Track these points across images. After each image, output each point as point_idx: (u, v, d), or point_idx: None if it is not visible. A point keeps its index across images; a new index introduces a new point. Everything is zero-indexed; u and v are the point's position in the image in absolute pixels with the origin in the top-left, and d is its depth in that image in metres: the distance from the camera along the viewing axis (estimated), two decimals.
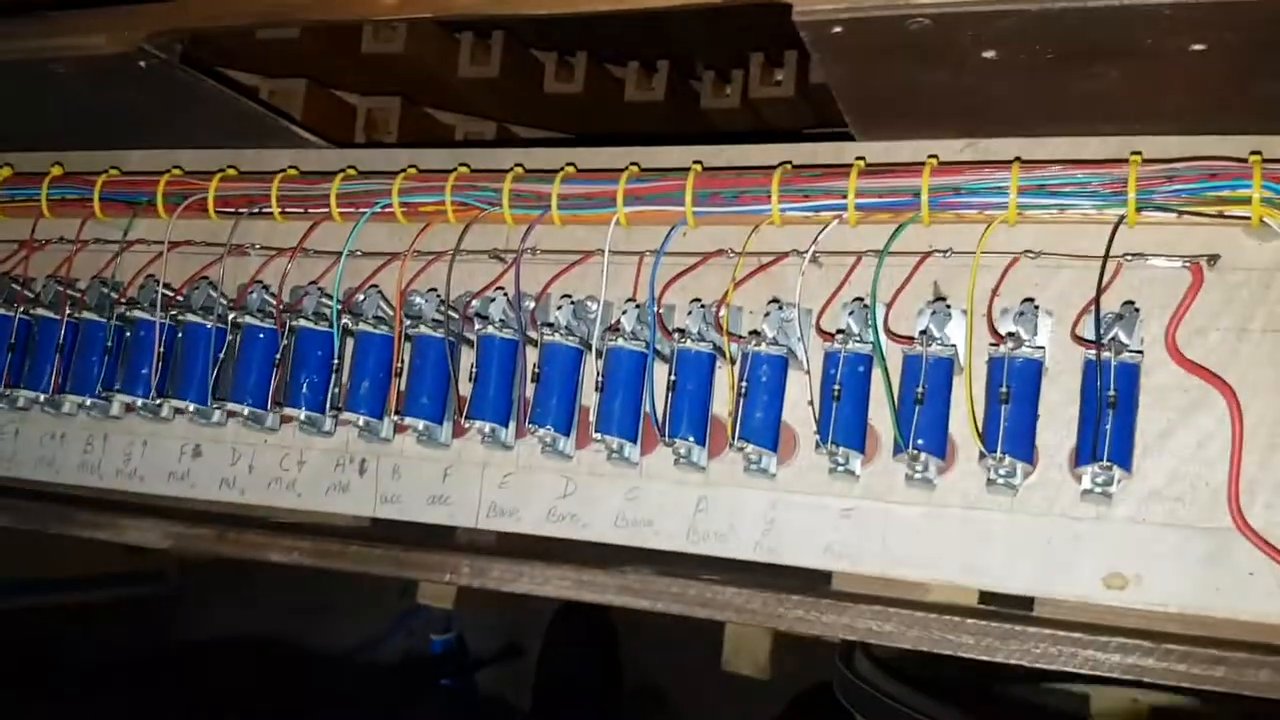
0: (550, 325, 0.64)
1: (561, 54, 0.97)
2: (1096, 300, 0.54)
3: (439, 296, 0.67)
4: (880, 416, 0.59)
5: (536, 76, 0.97)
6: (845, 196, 0.58)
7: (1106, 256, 0.54)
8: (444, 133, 1.01)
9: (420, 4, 0.56)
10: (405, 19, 0.57)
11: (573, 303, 0.65)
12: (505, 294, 0.66)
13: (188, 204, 0.71)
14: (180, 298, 0.72)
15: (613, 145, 0.68)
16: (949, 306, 0.59)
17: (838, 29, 0.50)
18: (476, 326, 0.64)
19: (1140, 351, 0.55)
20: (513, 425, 0.65)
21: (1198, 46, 0.48)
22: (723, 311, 0.60)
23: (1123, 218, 0.53)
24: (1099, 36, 0.49)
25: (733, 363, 0.59)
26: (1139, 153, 0.54)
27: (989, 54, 0.51)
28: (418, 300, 0.68)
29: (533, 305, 0.66)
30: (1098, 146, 0.58)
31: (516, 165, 0.66)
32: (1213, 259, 0.55)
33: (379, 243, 0.70)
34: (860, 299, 0.60)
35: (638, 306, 0.63)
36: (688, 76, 1.00)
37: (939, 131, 0.61)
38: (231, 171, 0.73)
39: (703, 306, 0.63)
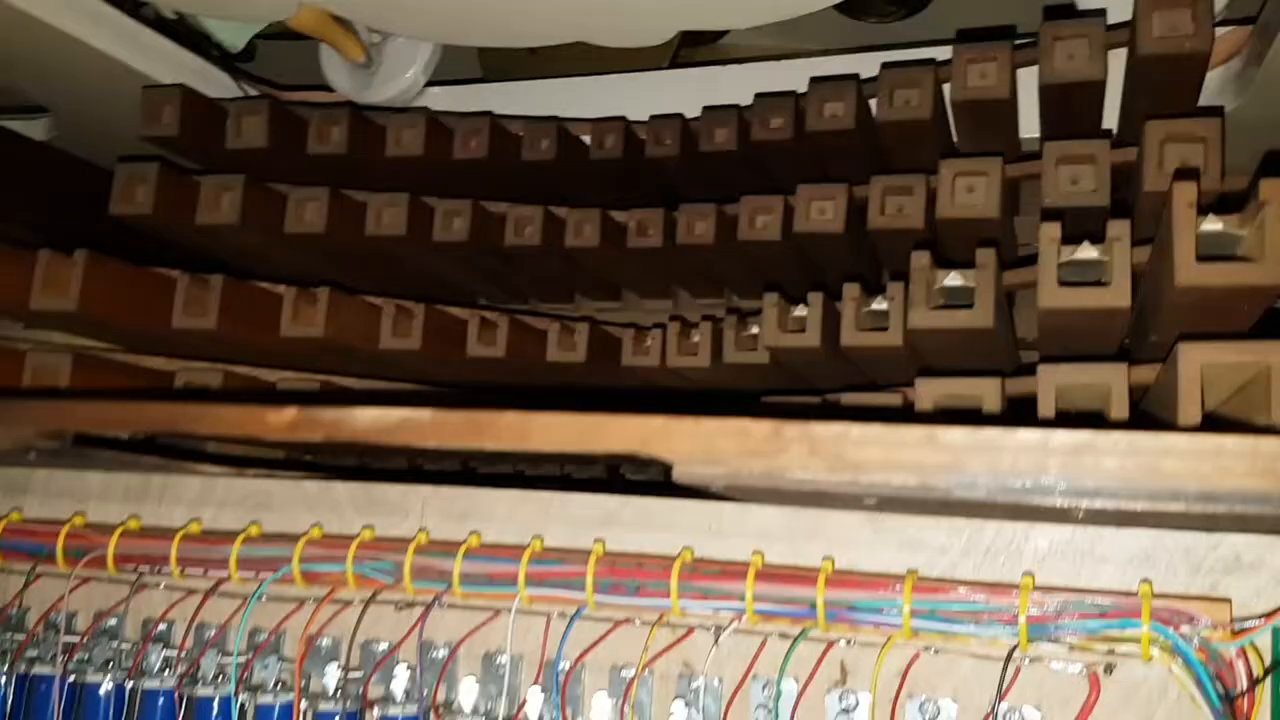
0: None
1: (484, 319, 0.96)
2: (994, 707, 0.54)
3: (340, 666, 0.66)
4: None
5: (459, 341, 0.97)
6: (744, 599, 0.57)
7: (1002, 682, 0.54)
8: (359, 400, 1.00)
9: (314, 427, 0.55)
10: (296, 440, 0.56)
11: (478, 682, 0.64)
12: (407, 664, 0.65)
13: (88, 560, 0.69)
14: (83, 646, 0.71)
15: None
16: (855, 696, 0.59)
17: (718, 486, 0.50)
18: (376, 713, 0.63)
19: None
20: None
21: None
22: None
23: (1015, 646, 0.54)
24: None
25: None
26: (1031, 575, 0.55)
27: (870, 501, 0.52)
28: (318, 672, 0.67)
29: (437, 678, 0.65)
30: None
31: (421, 531, 0.66)
32: (1109, 667, 0.56)
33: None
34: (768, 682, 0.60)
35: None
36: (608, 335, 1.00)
37: None
38: (134, 524, 0.72)
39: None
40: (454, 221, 1.02)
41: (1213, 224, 0.54)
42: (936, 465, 0.46)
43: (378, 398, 1.01)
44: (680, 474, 0.49)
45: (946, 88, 0.88)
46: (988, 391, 0.63)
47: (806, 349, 0.79)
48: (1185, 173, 0.66)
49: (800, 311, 0.82)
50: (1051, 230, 0.61)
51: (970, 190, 0.81)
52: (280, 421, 0.56)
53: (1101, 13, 0.84)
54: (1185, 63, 0.74)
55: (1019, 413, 0.66)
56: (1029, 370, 0.70)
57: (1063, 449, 0.44)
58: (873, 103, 0.93)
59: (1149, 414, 0.54)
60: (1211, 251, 0.54)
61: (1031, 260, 0.66)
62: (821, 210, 0.89)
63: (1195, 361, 0.48)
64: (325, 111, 1.05)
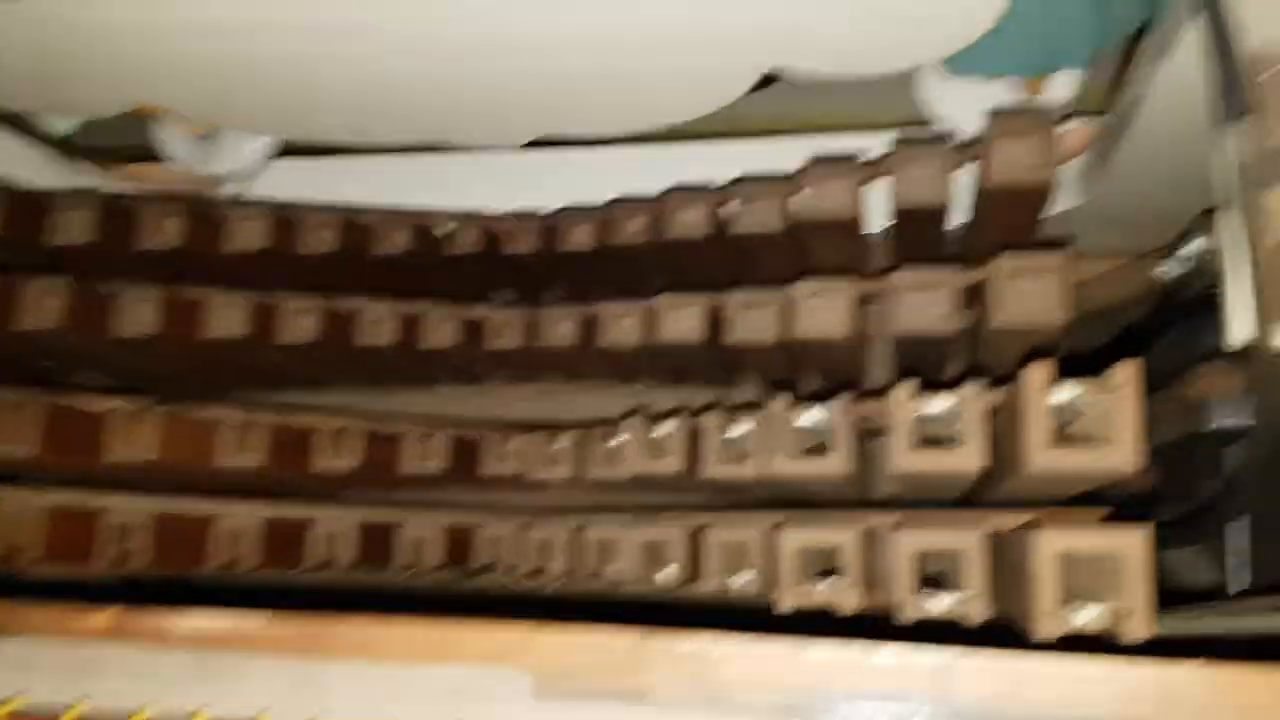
0: None
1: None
2: None
3: None
4: None
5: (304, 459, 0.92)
6: None
7: None
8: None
9: (134, 632, 0.51)
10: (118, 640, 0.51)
11: None
12: None
13: None
14: None
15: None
16: None
17: None
18: None
19: None
20: None
21: None
22: None
23: None
24: None
25: None
26: None
27: None
28: None
29: None
30: None
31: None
32: None
33: None
34: None
35: None
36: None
37: None
38: None
39: None
40: (300, 321, 0.97)
41: (1064, 393, 0.55)
42: (799, 684, 0.45)
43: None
44: (543, 693, 0.47)
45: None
46: (848, 543, 0.62)
47: (669, 476, 0.78)
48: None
49: (662, 432, 0.80)
50: (904, 392, 0.61)
51: (823, 311, 0.81)
52: (97, 626, 0.51)
53: (947, 136, 0.86)
54: (1030, 194, 0.76)
55: (875, 555, 0.65)
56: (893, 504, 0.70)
57: (923, 672, 0.43)
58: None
59: (1008, 615, 0.54)
60: (1060, 421, 0.55)
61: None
62: (678, 320, 0.88)
63: (1050, 549, 0.49)
64: (159, 203, 0.99)
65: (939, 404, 0.62)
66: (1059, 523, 0.51)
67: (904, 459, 0.59)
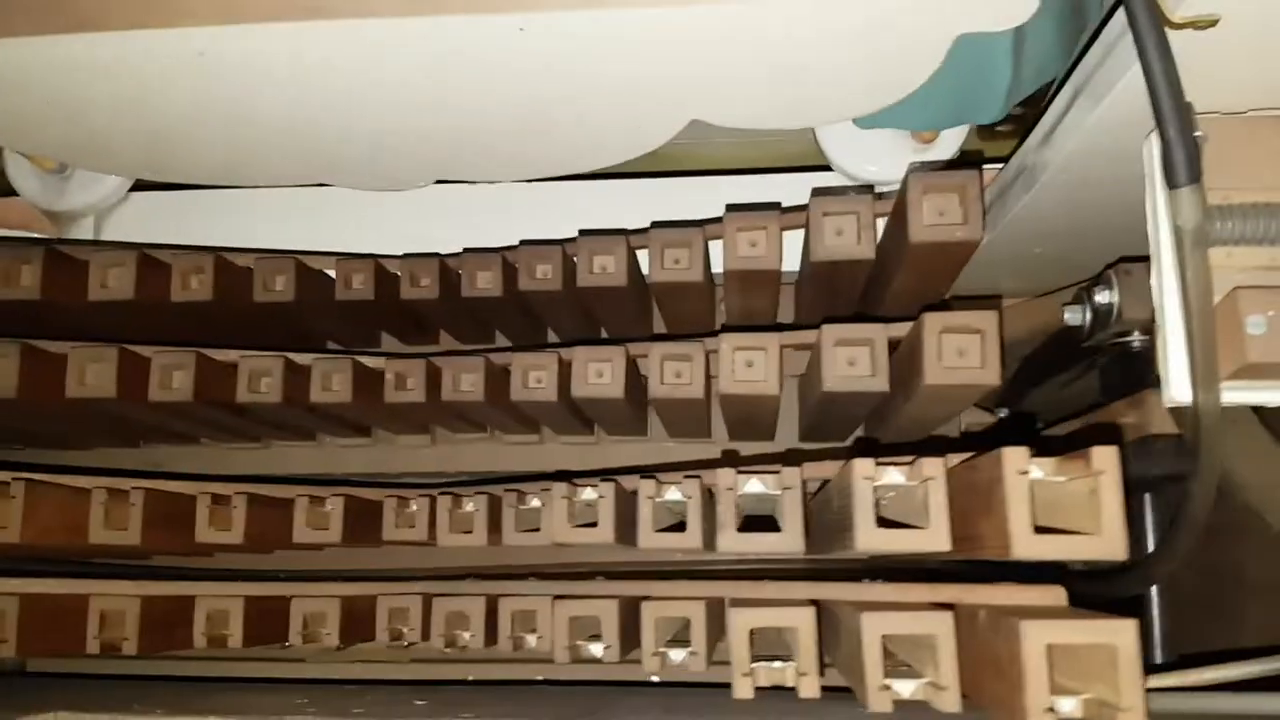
0: None
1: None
2: None
3: None
4: None
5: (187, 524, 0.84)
6: None
7: None
8: None
9: None
10: None
11: None
12: None
13: None
14: None
15: None
16: None
17: None
18: None
19: None
20: None
21: None
22: None
23: None
24: None
25: None
26: None
27: None
28: None
29: None
30: None
31: None
32: None
33: None
34: None
35: None
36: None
37: None
38: None
39: None
40: (174, 376, 0.88)
41: (1035, 472, 0.54)
42: None
43: None
44: None
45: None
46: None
47: (597, 545, 0.74)
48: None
49: (588, 496, 0.77)
50: (865, 468, 0.59)
51: (749, 365, 0.79)
52: None
53: (869, 188, 0.85)
54: (954, 249, 0.76)
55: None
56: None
57: None
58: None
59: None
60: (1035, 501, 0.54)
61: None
62: (599, 373, 0.84)
63: (1039, 642, 0.48)
64: (14, 249, 0.88)
65: (895, 477, 0.60)
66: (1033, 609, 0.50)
67: (869, 538, 0.57)
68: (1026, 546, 0.50)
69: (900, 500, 0.61)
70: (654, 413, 1.03)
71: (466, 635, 0.83)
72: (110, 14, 0.68)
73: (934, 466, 0.57)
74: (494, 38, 0.67)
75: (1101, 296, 0.80)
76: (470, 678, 1.06)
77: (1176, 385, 0.62)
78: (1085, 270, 0.99)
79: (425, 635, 0.84)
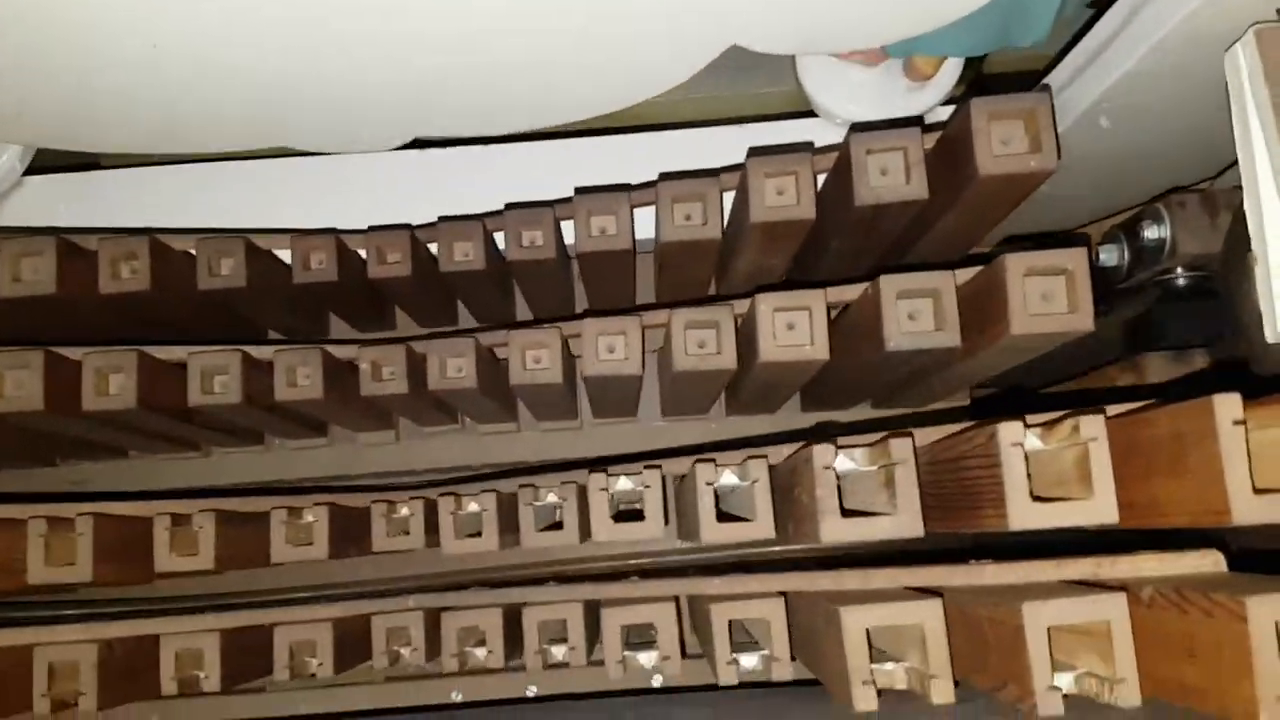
0: None
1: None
2: None
3: None
4: None
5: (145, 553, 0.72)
6: None
7: None
8: None
9: None
10: None
11: None
12: None
13: None
14: None
15: None
16: None
17: None
18: None
19: None
20: None
21: None
22: None
23: None
24: None
25: None
26: None
27: None
28: None
29: None
30: None
31: None
32: None
33: None
34: None
35: None
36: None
37: None
38: None
39: None
40: (111, 380, 0.76)
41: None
42: None
43: None
44: None
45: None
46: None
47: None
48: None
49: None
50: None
51: (790, 327, 0.71)
52: None
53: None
54: (1023, 181, 0.69)
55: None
56: None
57: None
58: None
59: None
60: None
61: None
62: (611, 348, 0.75)
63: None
64: None
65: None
66: None
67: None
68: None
69: (1044, 469, 0.54)
70: (644, 390, 0.94)
71: (482, 653, 0.74)
72: None
73: (1094, 425, 0.50)
74: None
75: (1151, 232, 0.75)
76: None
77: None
78: (1092, 215, 0.95)
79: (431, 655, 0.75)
